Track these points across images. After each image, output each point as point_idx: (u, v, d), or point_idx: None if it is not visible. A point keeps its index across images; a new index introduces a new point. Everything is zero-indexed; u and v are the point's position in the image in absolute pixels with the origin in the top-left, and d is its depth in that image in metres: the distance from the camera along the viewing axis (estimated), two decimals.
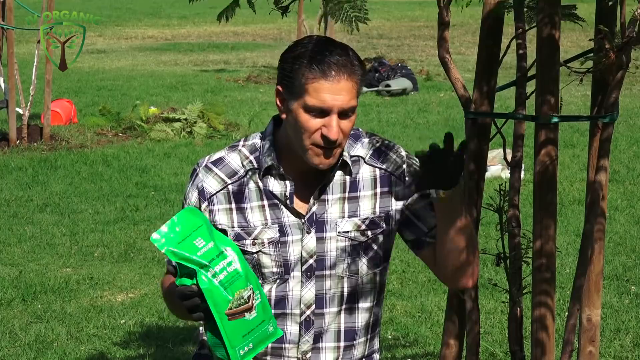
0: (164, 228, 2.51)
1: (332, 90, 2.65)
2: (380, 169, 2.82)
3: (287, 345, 2.81)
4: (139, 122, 11.83)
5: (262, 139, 2.82)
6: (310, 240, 2.78)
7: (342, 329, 2.84)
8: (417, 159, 2.70)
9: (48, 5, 10.66)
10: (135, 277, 6.73)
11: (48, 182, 9.50)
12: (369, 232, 2.80)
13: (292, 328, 2.79)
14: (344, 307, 2.82)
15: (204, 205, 2.79)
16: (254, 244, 2.78)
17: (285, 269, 2.78)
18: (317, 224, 2.78)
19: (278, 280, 2.79)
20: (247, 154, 2.82)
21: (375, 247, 2.82)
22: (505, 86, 3.37)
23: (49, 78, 11.24)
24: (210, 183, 2.80)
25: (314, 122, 2.66)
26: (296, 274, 2.78)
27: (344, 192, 2.79)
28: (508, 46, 3.25)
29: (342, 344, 2.84)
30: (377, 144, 2.84)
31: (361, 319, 2.86)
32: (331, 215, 2.78)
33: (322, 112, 2.66)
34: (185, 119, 11.81)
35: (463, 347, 3.30)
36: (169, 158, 10.61)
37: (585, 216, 3.11)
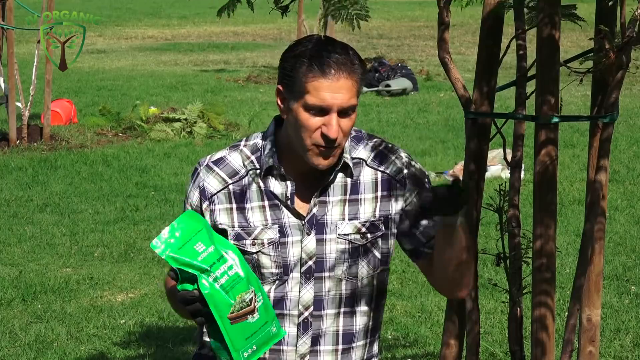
0: (163, 234, 2.50)
1: (332, 88, 2.65)
2: (381, 172, 2.82)
3: (285, 347, 2.80)
4: (139, 122, 11.83)
5: (264, 139, 2.82)
6: (310, 242, 2.77)
7: (341, 332, 2.83)
8: (422, 174, 2.78)
9: (48, 5, 10.66)
10: (135, 277, 6.73)
11: (48, 182, 9.50)
12: (369, 235, 2.80)
13: (289, 329, 2.79)
14: (342, 309, 2.82)
15: (204, 205, 2.79)
16: (253, 244, 2.77)
17: (285, 269, 2.78)
18: (317, 225, 2.77)
19: (277, 281, 2.79)
20: (249, 154, 2.82)
21: (374, 250, 2.82)
22: (505, 86, 3.37)
23: (49, 78, 11.24)
24: (211, 182, 2.81)
25: (313, 121, 2.67)
26: (295, 275, 2.78)
27: (345, 194, 2.79)
28: (508, 46, 3.25)
29: (340, 346, 2.84)
30: (379, 147, 2.84)
31: (360, 322, 2.85)
32: (331, 217, 2.78)
33: (321, 111, 2.66)
34: (185, 119, 11.81)
35: (463, 347, 3.30)
36: (169, 158, 10.61)
37: (585, 216, 3.11)
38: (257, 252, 2.77)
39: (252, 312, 2.50)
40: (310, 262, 2.78)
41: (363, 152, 2.82)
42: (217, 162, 2.83)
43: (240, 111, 13.40)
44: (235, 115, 13.04)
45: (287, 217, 2.77)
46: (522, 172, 7.76)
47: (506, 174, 8.73)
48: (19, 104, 11.09)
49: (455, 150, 10.79)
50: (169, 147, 11.11)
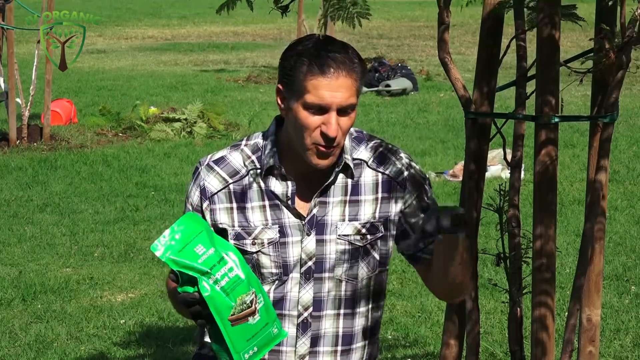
0: (163, 236, 2.50)
1: (331, 87, 2.65)
2: (382, 173, 2.82)
3: (284, 348, 2.80)
4: (139, 122, 11.83)
5: (264, 138, 2.82)
6: (310, 242, 2.77)
7: (340, 333, 2.83)
8: (422, 178, 2.80)
9: (48, 5, 10.66)
10: (135, 277, 6.73)
11: (48, 182, 9.50)
12: (369, 236, 2.80)
13: (289, 330, 2.79)
14: (342, 310, 2.82)
15: (205, 204, 2.80)
16: (253, 243, 2.77)
17: (284, 270, 2.78)
18: (317, 226, 2.77)
19: (277, 281, 2.78)
20: (249, 153, 2.82)
21: (374, 252, 2.82)
22: (505, 86, 3.37)
23: (49, 78, 11.24)
24: (212, 182, 2.81)
25: (313, 120, 2.67)
26: (295, 275, 2.78)
27: (346, 195, 2.79)
28: (508, 46, 3.25)
29: (339, 348, 2.83)
30: (380, 148, 2.84)
31: (359, 323, 2.85)
32: (332, 218, 2.78)
33: (321, 110, 2.66)
34: (185, 119, 11.80)
35: (463, 347, 3.30)
36: (169, 158, 10.61)
37: (585, 216, 3.11)
38: (257, 252, 2.77)
39: (253, 313, 2.49)
40: (310, 263, 2.78)
41: (364, 153, 2.82)
42: (218, 161, 2.83)
43: (240, 111, 13.40)
44: (235, 115, 13.04)
45: (288, 217, 2.77)
46: (522, 172, 7.76)
47: (506, 174, 8.73)
48: (18, 100, 11.08)
49: (455, 150, 10.79)
50: (169, 147, 11.11)
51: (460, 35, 22.75)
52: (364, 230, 2.79)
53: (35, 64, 11.20)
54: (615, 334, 5.70)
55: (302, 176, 2.77)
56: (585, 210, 3.12)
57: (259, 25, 26.05)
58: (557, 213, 3.01)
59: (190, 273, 2.47)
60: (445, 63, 3.16)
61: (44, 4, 10.70)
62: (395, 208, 2.81)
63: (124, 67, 18.42)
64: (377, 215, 2.80)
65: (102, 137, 11.67)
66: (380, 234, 2.80)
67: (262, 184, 2.78)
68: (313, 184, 2.77)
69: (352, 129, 2.84)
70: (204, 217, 2.79)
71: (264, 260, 2.77)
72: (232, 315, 2.47)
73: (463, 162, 3.33)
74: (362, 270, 2.81)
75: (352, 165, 2.79)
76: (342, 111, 2.67)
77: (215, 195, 2.79)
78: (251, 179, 2.79)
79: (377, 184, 2.81)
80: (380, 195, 2.80)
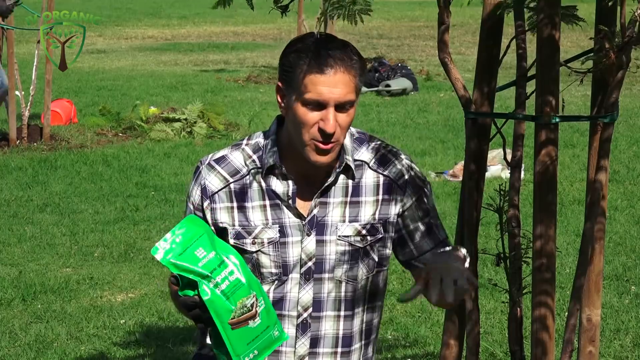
0: (164, 239, 2.49)
1: (329, 83, 2.65)
2: (383, 175, 2.82)
3: (284, 349, 2.80)
4: (139, 122, 11.83)
5: (265, 138, 2.82)
6: (310, 243, 2.77)
7: (340, 334, 2.83)
8: (422, 181, 2.82)
9: (48, 5, 10.66)
10: (135, 277, 6.73)
11: (48, 182, 9.50)
12: (369, 238, 2.80)
13: (288, 330, 2.78)
14: (342, 312, 2.82)
15: (205, 203, 2.80)
16: (253, 243, 2.77)
17: (284, 270, 2.78)
18: (317, 226, 2.77)
19: (276, 282, 2.78)
20: (250, 153, 2.82)
21: (373, 253, 2.82)
22: (505, 86, 3.37)
23: (49, 78, 11.24)
24: (213, 181, 2.81)
25: (311, 116, 2.67)
26: (294, 275, 2.78)
27: (346, 196, 2.79)
28: (508, 46, 3.25)
29: (339, 349, 2.83)
30: (382, 150, 2.84)
31: (358, 324, 2.85)
32: (332, 219, 2.78)
33: (319, 106, 2.67)
34: (185, 119, 11.81)
35: (463, 347, 3.30)
36: (169, 158, 10.61)
37: (585, 216, 3.11)
38: (256, 252, 2.77)
39: (253, 317, 2.49)
40: (309, 263, 2.78)
41: (365, 154, 2.82)
42: (219, 160, 2.83)
43: (240, 111, 13.40)
44: (235, 115, 13.04)
45: (288, 217, 2.77)
46: (522, 172, 7.76)
47: (506, 174, 8.73)
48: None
49: (455, 150, 10.79)
50: (169, 147, 11.11)
51: (460, 35, 22.75)
52: (364, 232, 2.79)
53: (35, 64, 11.20)
54: (615, 334, 5.70)
55: (302, 176, 2.77)
56: (585, 210, 3.12)
57: (259, 25, 26.05)
58: (557, 213, 3.01)
59: (191, 276, 2.46)
60: (445, 63, 3.16)
61: (44, 4, 10.70)
62: (394, 210, 2.81)
63: (124, 67, 18.42)
64: (377, 216, 2.80)
65: (102, 137, 11.67)
66: (380, 236, 2.80)
67: (262, 184, 2.78)
68: (314, 184, 2.77)
69: (354, 130, 2.84)
70: (204, 216, 2.79)
71: (264, 259, 2.77)
72: (232, 318, 2.47)
73: (463, 162, 3.33)
74: (362, 272, 2.81)
75: (353, 166, 2.79)
76: (341, 107, 2.68)
77: (216, 195, 2.80)
78: (252, 178, 2.79)
79: (378, 185, 2.81)
80: (381, 197, 2.80)
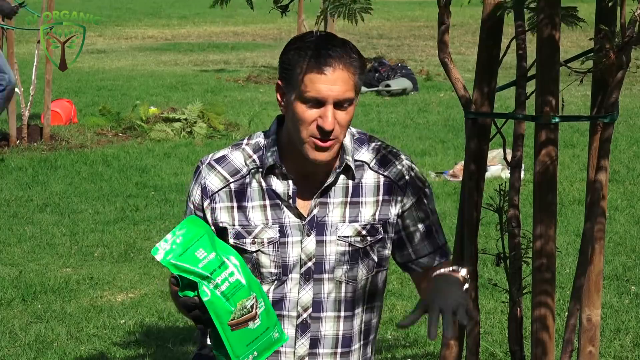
0: (164, 240, 2.49)
1: (328, 80, 2.66)
2: (384, 176, 2.82)
3: (283, 349, 2.80)
4: (139, 122, 11.83)
5: (266, 137, 2.83)
6: (310, 243, 2.77)
7: (340, 335, 2.83)
8: (422, 182, 2.84)
9: (48, 5, 10.66)
10: (135, 277, 6.73)
11: (48, 182, 9.50)
12: (369, 238, 2.80)
13: (288, 331, 2.79)
14: (342, 313, 2.82)
15: (206, 203, 2.80)
16: (253, 243, 2.78)
17: (284, 270, 2.78)
18: (317, 226, 2.77)
19: (276, 282, 2.79)
20: (251, 152, 2.82)
21: (373, 254, 2.82)
22: (505, 86, 3.37)
23: (49, 78, 11.24)
24: (213, 181, 2.81)
25: (310, 113, 2.67)
26: (294, 275, 2.78)
27: (346, 196, 2.79)
28: (508, 46, 3.25)
29: (339, 350, 2.84)
30: (383, 151, 2.84)
31: (358, 324, 2.85)
32: (332, 219, 2.78)
33: (318, 103, 2.67)
34: (185, 119, 11.80)
35: (463, 347, 3.30)
36: (169, 158, 10.61)
37: (585, 216, 3.11)
38: (256, 251, 2.78)
39: (253, 318, 2.49)
40: (309, 264, 2.78)
41: (366, 154, 2.82)
42: (219, 160, 2.83)
43: (240, 111, 13.40)
44: (235, 115, 13.04)
45: (288, 217, 2.77)
46: (522, 172, 7.76)
47: (506, 174, 8.73)
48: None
49: (455, 150, 10.79)
50: (169, 147, 11.11)
51: (460, 35, 22.75)
52: (364, 232, 2.79)
53: (35, 64, 11.20)
54: (615, 334, 5.70)
55: (303, 176, 2.77)
56: (585, 210, 3.12)
57: (259, 25, 26.05)
58: (557, 213, 3.01)
59: (191, 277, 2.46)
60: (445, 63, 3.16)
61: (44, 4, 10.70)
62: (394, 210, 2.81)
63: (124, 67, 18.41)
64: (377, 217, 2.80)
65: (102, 137, 11.67)
66: (380, 236, 2.81)
67: (263, 183, 2.78)
68: (314, 184, 2.77)
69: (354, 130, 2.85)
70: (205, 215, 2.79)
71: (264, 259, 2.78)
72: (231, 320, 2.47)
73: (463, 162, 3.33)
74: (362, 272, 2.81)
75: (353, 167, 2.79)
76: (339, 105, 2.68)
77: (216, 194, 2.80)
78: (252, 178, 2.79)
79: (378, 186, 2.81)
80: (381, 197, 2.81)
